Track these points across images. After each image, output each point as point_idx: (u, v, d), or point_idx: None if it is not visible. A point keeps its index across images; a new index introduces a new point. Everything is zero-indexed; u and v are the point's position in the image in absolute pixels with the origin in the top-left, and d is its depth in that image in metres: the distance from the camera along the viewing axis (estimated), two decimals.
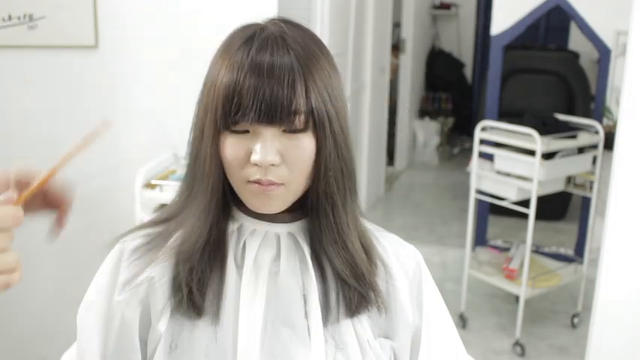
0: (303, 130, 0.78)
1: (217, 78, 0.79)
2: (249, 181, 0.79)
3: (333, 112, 0.81)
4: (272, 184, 0.78)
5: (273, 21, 0.83)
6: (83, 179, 2.20)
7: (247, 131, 0.78)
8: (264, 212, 0.82)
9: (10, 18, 2.02)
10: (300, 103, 0.77)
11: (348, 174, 0.84)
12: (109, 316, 0.83)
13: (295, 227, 0.86)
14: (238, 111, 0.77)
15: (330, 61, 0.83)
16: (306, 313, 0.82)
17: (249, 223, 0.86)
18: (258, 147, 0.77)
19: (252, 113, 0.76)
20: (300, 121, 0.77)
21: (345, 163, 0.84)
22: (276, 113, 0.76)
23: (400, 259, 0.91)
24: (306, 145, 0.79)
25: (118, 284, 0.84)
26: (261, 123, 0.77)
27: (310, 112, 0.78)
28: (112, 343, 0.83)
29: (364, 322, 0.85)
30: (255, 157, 0.77)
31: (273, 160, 0.77)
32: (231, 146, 0.79)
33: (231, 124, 0.78)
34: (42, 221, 2.21)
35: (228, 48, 0.81)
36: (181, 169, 1.96)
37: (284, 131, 0.78)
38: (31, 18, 2.03)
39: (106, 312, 0.84)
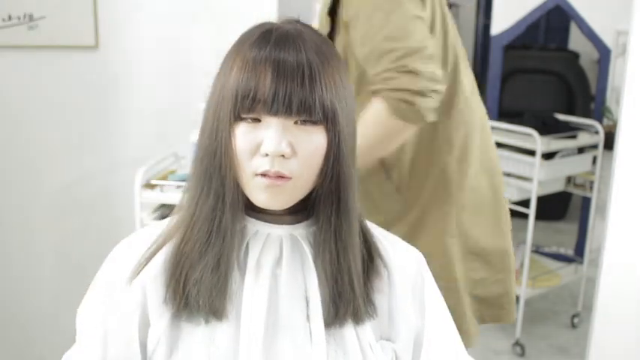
0: (317, 122, 0.78)
1: (233, 66, 0.79)
2: (256, 174, 0.78)
3: (346, 112, 0.81)
4: (280, 176, 0.77)
5: (288, 20, 0.83)
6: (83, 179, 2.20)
7: (259, 121, 0.78)
8: (271, 208, 0.81)
9: (10, 18, 2.01)
10: (316, 95, 0.76)
11: (353, 175, 0.84)
12: (109, 318, 0.83)
13: (298, 229, 0.86)
14: (254, 98, 0.76)
15: (344, 69, 0.83)
16: (308, 316, 0.82)
17: (251, 225, 0.85)
18: (269, 136, 0.76)
19: (267, 100, 0.76)
20: (314, 112, 0.77)
21: (352, 163, 0.84)
22: (291, 102, 0.75)
23: (402, 261, 0.91)
24: (317, 138, 0.78)
25: (117, 286, 0.84)
26: (276, 113, 0.76)
27: (324, 107, 0.77)
28: (112, 345, 0.82)
29: (366, 324, 0.84)
30: (266, 146, 0.76)
31: (284, 150, 0.76)
32: (242, 136, 0.78)
33: (245, 112, 0.77)
34: (42, 220, 2.21)
35: (245, 39, 0.81)
36: (181, 169, 1.95)
37: (296, 123, 0.78)
38: (31, 18, 2.02)
39: (105, 313, 0.83)
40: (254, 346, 0.78)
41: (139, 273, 0.83)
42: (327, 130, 0.79)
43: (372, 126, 1.17)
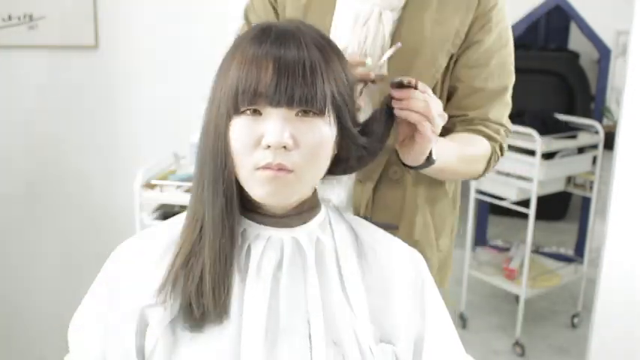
0: (318, 114, 0.77)
1: (232, 62, 0.79)
2: (258, 168, 0.77)
3: (349, 108, 0.81)
4: (282, 168, 0.76)
5: (286, 19, 0.83)
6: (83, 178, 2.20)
7: (259, 114, 0.77)
8: (273, 203, 0.80)
9: (10, 18, 2.01)
10: (317, 86, 0.76)
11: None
12: (105, 325, 0.82)
13: (299, 232, 0.85)
14: (255, 91, 0.75)
15: (344, 63, 0.83)
16: (308, 320, 0.81)
17: (252, 229, 0.84)
18: (271, 127, 0.75)
19: (269, 92, 0.75)
20: (316, 102, 0.76)
21: (354, 159, 0.83)
22: (293, 93, 0.75)
23: (401, 262, 0.90)
24: (321, 129, 0.78)
25: (115, 291, 0.83)
26: (277, 105, 0.75)
27: (326, 97, 0.77)
28: (109, 352, 0.81)
29: (365, 327, 0.84)
30: (267, 138, 0.75)
31: (285, 142, 0.75)
32: (242, 129, 0.77)
33: (245, 104, 0.76)
34: (42, 220, 2.21)
35: (243, 37, 0.81)
36: (181, 169, 1.96)
37: (297, 115, 0.77)
38: (31, 18, 2.02)
39: (102, 321, 0.83)
40: (254, 349, 0.78)
41: (137, 278, 0.83)
42: (329, 123, 0.78)
43: (477, 161, 1.14)
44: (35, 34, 2.03)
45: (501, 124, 1.15)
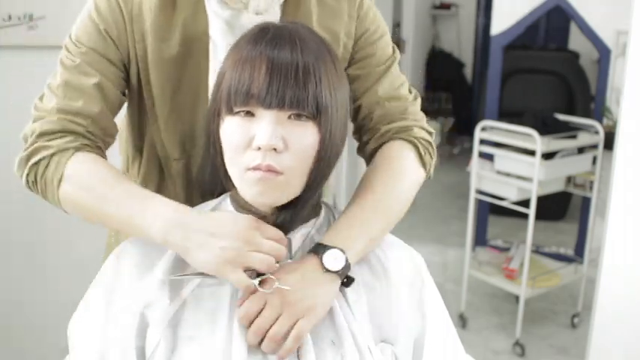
0: (310, 118, 0.78)
1: (229, 62, 0.80)
2: (248, 169, 0.78)
3: (338, 110, 0.81)
4: (271, 170, 0.77)
5: (287, 20, 0.83)
6: None
7: (253, 115, 0.78)
8: (261, 202, 0.81)
9: (10, 18, 2.01)
10: (309, 90, 0.76)
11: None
12: (105, 326, 0.82)
13: (294, 234, 0.86)
14: (247, 91, 0.76)
15: (339, 68, 0.83)
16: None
17: None
18: (261, 129, 0.76)
19: (261, 93, 0.75)
20: (307, 106, 0.77)
21: (335, 164, 0.84)
22: (284, 95, 0.76)
23: (401, 263, 0.91)
24: (310, 134, 0.78)
25: (115, 292, 0.84)
26: (269, 106, 0.76)
27: (318, 102, 0.77)
28: (108, 353, 0.81)
29: (364, 327, 0.84)
30: (258, 139, 0.76)
31: (275, 144, 0.76)
32: (235, 129, 0.78)
33: (239, 105, 0.77)
34: (42, 220, 2.20)
35: (242, 37, 0.82)
36: None
37: (290, 118, 0.77)
38: (31, 18, 2.02)
39: (101, 321, 0.83)
40: (247, 350, 0.78)
41: (137, 278, 0.83)
42: (320, 127, 0.79)
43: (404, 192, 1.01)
44: (35, 34, 2.03)
45: (399, 97, 1.03)
